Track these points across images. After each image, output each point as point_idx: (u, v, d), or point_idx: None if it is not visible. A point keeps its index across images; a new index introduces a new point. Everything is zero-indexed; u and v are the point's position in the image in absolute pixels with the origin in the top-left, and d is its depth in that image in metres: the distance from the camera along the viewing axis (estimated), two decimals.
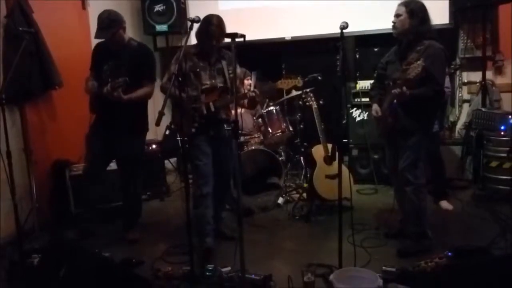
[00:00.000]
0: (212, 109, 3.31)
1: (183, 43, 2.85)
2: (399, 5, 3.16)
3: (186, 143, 3.20)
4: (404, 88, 2.97)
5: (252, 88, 4.35)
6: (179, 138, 5.10)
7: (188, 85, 3.28)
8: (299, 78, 3.48)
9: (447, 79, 4.05)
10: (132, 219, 3.84)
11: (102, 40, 3.52)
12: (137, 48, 3.58)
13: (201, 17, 3.05)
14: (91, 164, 3.73)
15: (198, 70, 3.32)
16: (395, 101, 3.09)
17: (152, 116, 3.59)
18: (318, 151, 4.24)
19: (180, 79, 2.78)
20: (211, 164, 3.36)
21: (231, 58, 3.35)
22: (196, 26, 3.01)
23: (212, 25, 3.22)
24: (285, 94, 4.84)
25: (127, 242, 3.71)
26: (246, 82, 4.51)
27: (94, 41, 3.70)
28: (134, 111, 3.53)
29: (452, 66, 4.21)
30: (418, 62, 2.87)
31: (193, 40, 3.40)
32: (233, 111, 2.54)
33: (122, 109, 3.43)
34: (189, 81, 3.30)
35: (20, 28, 3.50)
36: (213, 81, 3.36)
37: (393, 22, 3.17)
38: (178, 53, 3.02)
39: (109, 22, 3.39)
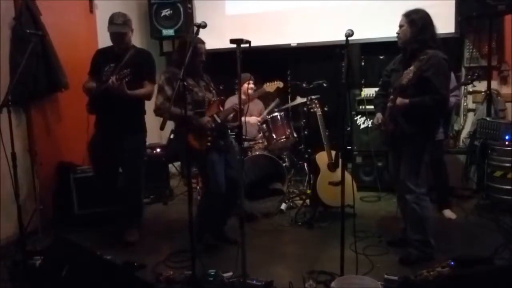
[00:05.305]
0: (219, 120, 3.42)
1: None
2: (402, 15, 3.19)
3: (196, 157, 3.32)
4: (399, 99, 3.03)
5: (253, 92, 4.45)
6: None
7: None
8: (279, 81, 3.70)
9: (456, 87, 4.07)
10: (131, 219, 3.84)
11: (105, 46, 3.72)
12: (138, 52, 3.72)
13: (208, 22, 3.06)
14: (98, 171, 3.83)
15: (191, 88, 3.38)
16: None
17: (156, 120, 3.60)
18: (322, 158, 4.24)
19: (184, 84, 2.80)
20: (224, 178, 3.42)
21: (208, 77, 3.57)
22: (202, 31, 3.02)
23: (197, 43, 3.34)
24: (289, 101, 4.85)
25: (124, 243, 3.71)
26: (250, 85, 4.55)
27: (101, 44, 3.75)
28: (132, 110, 3.66)
29: (469, 77, 4.23)
30: (411, 68, 2.97)
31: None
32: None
33: (121, 108, 3.53)
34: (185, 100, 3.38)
35: (28, 30, 3.53)
36: (206, 96, 3.47)
37: (397, 33, 3.21)
38: (168, 75, 3.33)
39: (125, 20, 3.60)
